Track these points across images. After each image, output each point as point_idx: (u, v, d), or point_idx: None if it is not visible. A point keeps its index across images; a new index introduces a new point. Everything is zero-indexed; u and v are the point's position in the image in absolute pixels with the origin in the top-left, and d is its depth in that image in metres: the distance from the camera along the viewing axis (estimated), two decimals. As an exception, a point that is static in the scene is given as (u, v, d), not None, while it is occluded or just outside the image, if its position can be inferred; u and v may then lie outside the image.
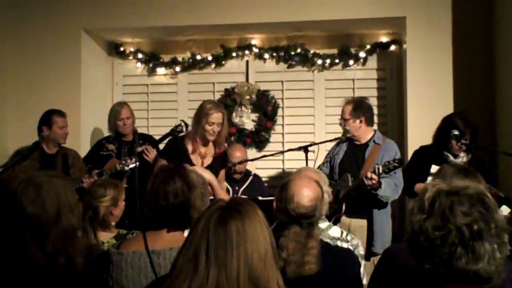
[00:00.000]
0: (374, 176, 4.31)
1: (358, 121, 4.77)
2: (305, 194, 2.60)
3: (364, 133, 4.82)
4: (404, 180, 4.62)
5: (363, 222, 4.65)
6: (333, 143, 5.02)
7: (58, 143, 5.13)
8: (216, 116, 4.55)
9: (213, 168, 4.48)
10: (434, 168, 4.29)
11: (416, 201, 1.75)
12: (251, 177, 5.58)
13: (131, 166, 4.84)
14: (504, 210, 3.85)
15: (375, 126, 5.96)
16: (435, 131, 4.67)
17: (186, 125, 4.84)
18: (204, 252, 1.55)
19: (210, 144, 4.68)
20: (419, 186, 4.45)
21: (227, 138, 6.31)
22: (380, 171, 4.32)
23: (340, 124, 4.88)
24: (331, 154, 4.95)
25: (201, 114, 4.56)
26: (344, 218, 4.57)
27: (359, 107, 4.80)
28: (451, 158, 4.53)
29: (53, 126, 5.05)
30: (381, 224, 4.69)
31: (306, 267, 2.40)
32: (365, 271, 2.96)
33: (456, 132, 4.46)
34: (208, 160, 4.66)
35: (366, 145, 4.81)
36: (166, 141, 4.92)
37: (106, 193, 3.53)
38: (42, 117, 5.11)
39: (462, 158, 4.53)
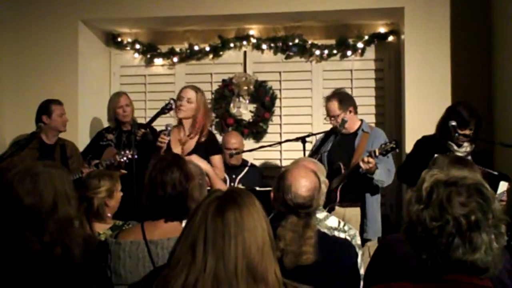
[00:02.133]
0: (371, 160, 4.30)
1: (348, 112, 4.75)
2: (302, 184, 2.60)
3: (353, 122, 4.81)
4: (406, 169, 4.61)
5: (357, 211, 4.66)
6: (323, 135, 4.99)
7: (58, 131, 5.15)
8: (185, 91, 4.62)
9: (196, 154, 4.41)
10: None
11: (414, 191, 1.75)
12: (247, 167, 5.59)
13: (129, 156, 4.81)
14: (503, 185, 3.86)
15: (373, 117, 5.99)
16: (439, 121, 4.64)
17: (176, 102, 4.75)
18: (202, 242, 1.55)
19: (194, 131, 4.64)
20: None
21: (229, 129, 6.32)
22: (377, 153, 4.31)
23: (331, 123, 4.82)
24: (320, 148, 4.90)
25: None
26: (338, 208, 4.57)
27: (343, 98, 4.78)
28: (455, 147, 4.48)
29: (52, 114, 5.08)
30: (373, 210, 4.69)
31: (304, 257, 2.41)
32: (362, 260, 2.97)
33: (453, 123, 4.44)
34: (189, 147, 4.60)
35: (355, 134, 4.80)
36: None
37: (101, 184, 3.52)
38: (40, 107, 5.12)
39: (466, 148, 4.49)
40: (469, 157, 4.40)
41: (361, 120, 4.89)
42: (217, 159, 4.64)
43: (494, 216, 1.64)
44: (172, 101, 4.69)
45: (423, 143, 4.72)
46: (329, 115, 4.81)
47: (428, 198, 1.68)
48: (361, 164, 4.32)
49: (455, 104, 4.63)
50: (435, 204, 1.66)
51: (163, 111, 4.67)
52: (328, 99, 4.84)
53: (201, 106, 4.63)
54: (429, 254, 1.66)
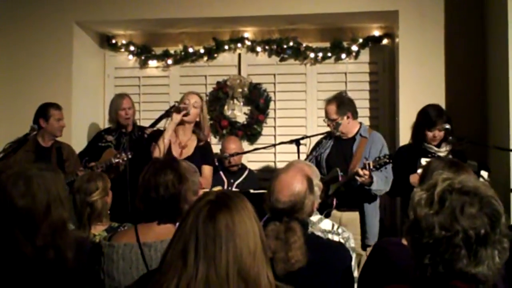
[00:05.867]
0: (366, 172, 4.31)
1: (345, 117, 4.75)
2: (284, 189, 2.54)
3: (352, 127, 4.82)
4: (395, 183, 4.61)
5: (354, 215, 4.66)
6: (318, 138, 5.01)
7: (54, 135, 5.13)
8: (191, 96, 4.67)
9: (194, 159, 4.34)
10: (424, 161, 4.29)
11: (423, 190, 1.70)
12: (246, 171, 5.58)
13: (125, 159, 4.78)
14: (483, 174, 3.99)
15: (367, 120, 5.99)
16: (412, 127, 4.71)
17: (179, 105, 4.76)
18: (193, 247, 1.54)
19: (193, 136, 4.69)
20: (415, 177, 4.34)
21: (223, 132, 6.31)
22: (371, 166, 4.32)
23: (328, 125, 4.84)
24: (318, 150, 4.92)
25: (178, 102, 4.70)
26: (335, 212, 4.57)
27: (342, 103, 4.77)
28: (435, 149, 4.54)
29: (50, 118, 5.06)
30: (371, 216, 4.71)
31: (292, 262, 2.35)
32: (356, 263, 2.96)
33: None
34: (188, 151, 4.64)
35: (353, 139, 4.80)
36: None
37: (97, 185, 3.52)
38: (39, 110, 5.10)
39: (446, 147, 4.55)
40: (450, 156, 4.45)
41: (360, 124, 4.89)
42: (207, 169, 4.68)
43: (501, 232, 1.62)
44: (177, 104, 4.71)
45: (403, 153, 4.74)
46: (327, 117, 4.83)
47: (440, 204, 1.63)
48: (357, 177, 4.33)
49: (424, 107, 4.69)
50: (447, 212, 1.61)
51: (168, 114, 4.67)
52: (327, 102, 4.85)
53: (204, 112, 4.76)
54: (432, 260, 1.63)
